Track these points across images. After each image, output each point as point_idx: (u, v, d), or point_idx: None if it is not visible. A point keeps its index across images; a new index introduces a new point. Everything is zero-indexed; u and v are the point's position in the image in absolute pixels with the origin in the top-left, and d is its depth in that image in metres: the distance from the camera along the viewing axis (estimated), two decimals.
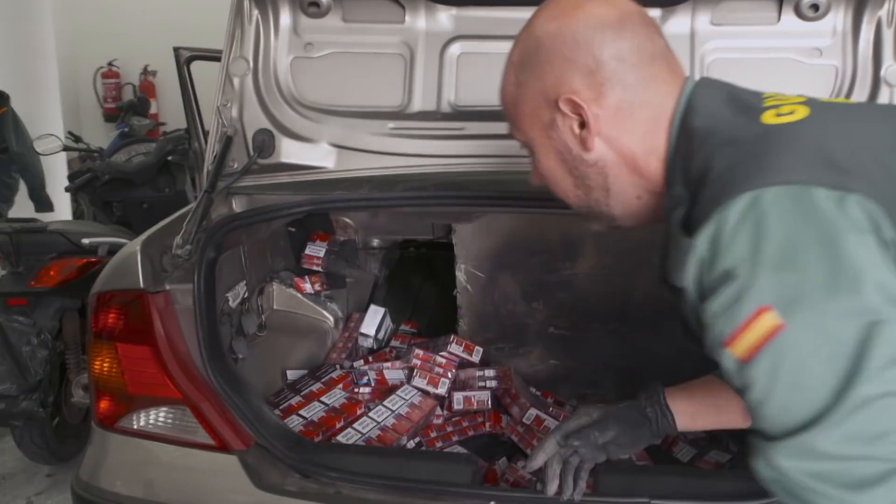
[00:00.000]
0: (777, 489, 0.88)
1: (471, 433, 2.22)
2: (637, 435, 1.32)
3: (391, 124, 1.96)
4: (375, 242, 2.64)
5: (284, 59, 2.00)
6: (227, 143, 1.92)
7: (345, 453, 1.73)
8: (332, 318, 2.54)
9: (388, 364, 2.41)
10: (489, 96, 1.99)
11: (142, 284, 1.69)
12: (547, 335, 2.47)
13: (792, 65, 1.95)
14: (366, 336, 2.58)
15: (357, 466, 1.69)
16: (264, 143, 1.95)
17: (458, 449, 2.15)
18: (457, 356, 2.31)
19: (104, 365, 1.77)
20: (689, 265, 0.92)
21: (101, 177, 4.24)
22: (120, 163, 4.48)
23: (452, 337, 2.35)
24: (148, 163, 4.36)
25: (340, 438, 1.99)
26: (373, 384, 2.27)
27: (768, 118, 0.98)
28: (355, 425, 2.04)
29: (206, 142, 3.74)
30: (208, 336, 1.75)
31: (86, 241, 3.19)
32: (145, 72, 8.61)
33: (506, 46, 1.09)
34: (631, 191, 1.07)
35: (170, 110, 7.99)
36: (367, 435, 2.02)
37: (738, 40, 1.99)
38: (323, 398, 2.12)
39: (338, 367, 2.33)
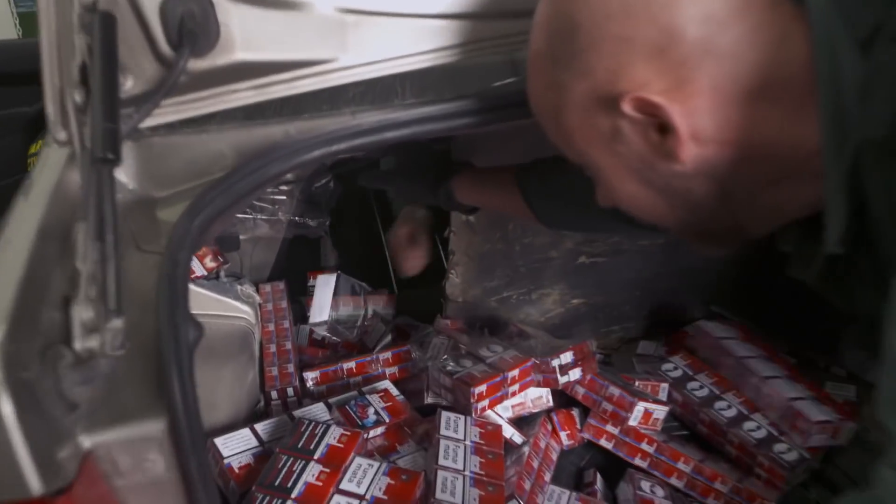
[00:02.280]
0: None
1: (553, 456, 1.37)
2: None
3: None
4: (290, 174, 1.51)
5: None
6: (108, 30, 0.72)
7: None
8: (251, 311, 1.44)
9: (375, 364, 1.43)
10: None
11: (35, 490, 0.55)
12: (575, 268, 1.64)
13: None
14: (320, 325, 1.54)
15: None
16: (193, 19, 0.78)
17: (557, 490, 1.29)
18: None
19: None
20: None
21: None
22: None
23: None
24: None
25: None
26: (386, 420, 1.28)
27: None
28: None
29: None
30: None
31: None
32: None
33: None
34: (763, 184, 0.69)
35: None
36: None
37: None
38: (344, 485, 1.10)
39: (335, 412, 1.28)
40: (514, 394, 1.33)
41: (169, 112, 0.86)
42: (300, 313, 1.66)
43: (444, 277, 1.62)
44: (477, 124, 0.93)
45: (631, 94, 0.64)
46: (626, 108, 0.65)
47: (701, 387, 1.51)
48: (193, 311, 1.36)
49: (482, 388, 1.27)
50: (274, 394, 1.41)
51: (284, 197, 1.54)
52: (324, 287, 1.59)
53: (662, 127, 0.65)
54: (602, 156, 0.73)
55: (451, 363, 1.33)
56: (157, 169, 0.94)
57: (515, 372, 1.32)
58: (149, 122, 0.87)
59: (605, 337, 1.80)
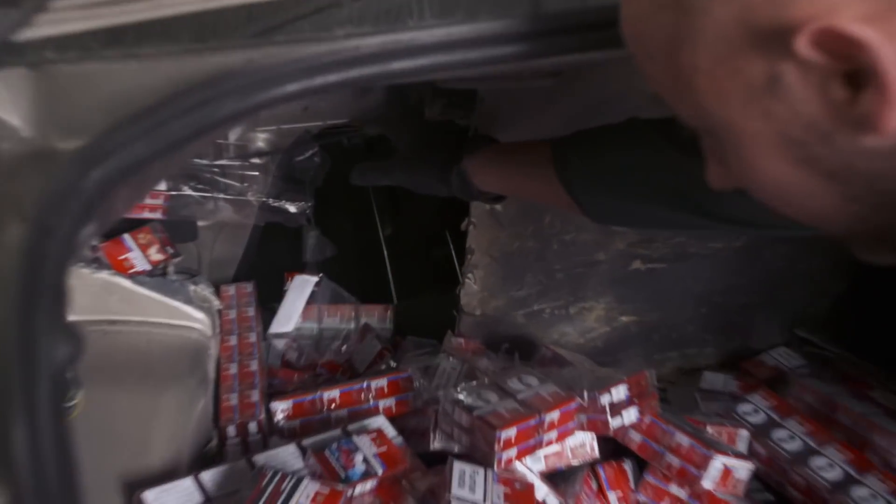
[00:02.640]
0: None
1: None
2: None
3: None
4: (261, 141, 1.32)
5: None
6: None
7: None
8: (206, 319, 1.27)
9: (365, 394, 1.24)
10: None
11: None
12: (626, 275, 1.48)
13: None
14: (281, 337, 1.35)
15: None
16: None
17: None
18: None
19: None
20: None
21: None
22: None
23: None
24: None
25: None
26: (379, 471, 1.08)
27: None
28: None
29: None
30: None
31: None
32: None
33: None
34: None
35: None
36: None
37: None
38: None
39: (310, 459, 1.08)
40: (549, 443, 1.12)
41: (77, 17, 0.66)
42: None
43: (457, 284, 1.44)
44: (524, 55, 0.72)
45: (813, 22, 0.46)
46: (802, 45, 0.47)
47: (791, 437, 1.31)
48: (127, 321, 1.19)
49: (511, 432, 1.06)
50: (231, 430, 1.23)
51: (257, 173, 1.34)
52: (298, 291, 1.41)
53: (853, 77, 0.47)
54: (742, 116, 0.55)
55: (471, 395, 1.12)
56: (63, 109, 0.74)
57: (555, 414, 1.11)
58: (49, 31, 0.66)
59: (660, 366, 1.63)
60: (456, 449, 1.17)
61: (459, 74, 0.96)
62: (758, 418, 1.36)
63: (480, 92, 1.22)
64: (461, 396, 1.14)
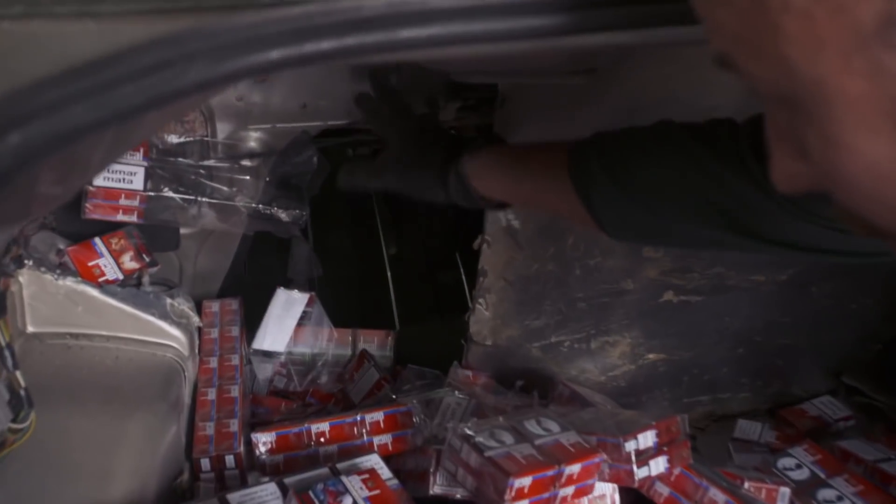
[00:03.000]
0: None
1: None
2: None
3: None
4: (253, 141, 1.23)
5: None
6: None
7: None
8: (183, 337, 1.19)
9: (358, 428, 1.17)
10: None
11: None
12: (656, 308, 1.40)
13: None
14: (269, 358, 1.27)
15: None
16: None
17: None
18: None
19: None
20: None
21: None
22: None
23: None
24: None
25: None
26: None
27: None
28: None
29: None
30: None
31: None
32: None
33: None
34: None
35: None
36: None
37: None
38: None
39: (292, 500, 0.99)
40: (564, 499, 1.02)
41: None
42: None
43: (466, 310, 1.36)
44: (562, 29, 0.62)
45: None
46: None
47: (839, 497, 1.22)
48: (93, 335, 1.10)
49: (525, 481, 0.96)
50: (205, 462, 1.15)
51: (247, 177, 1.25)
52: (283, 307, 1.31)
53: None
54: (841, 73, 0.45)
55: (483, 433, 1.03)
56: (5, 75, 0.65)
57: (576, 468, 1.01)
58: None
59: (689, 410, 1.53)
60: (459, 494, 1.08)
61: (480, 53, 0.87)
62: (801, 474, 1.26)
63: (501, 93, 1.14)
64: (472, 432, 1.05)
